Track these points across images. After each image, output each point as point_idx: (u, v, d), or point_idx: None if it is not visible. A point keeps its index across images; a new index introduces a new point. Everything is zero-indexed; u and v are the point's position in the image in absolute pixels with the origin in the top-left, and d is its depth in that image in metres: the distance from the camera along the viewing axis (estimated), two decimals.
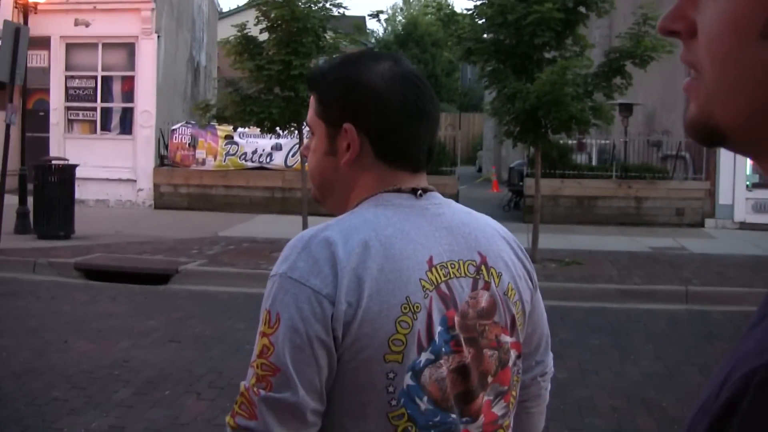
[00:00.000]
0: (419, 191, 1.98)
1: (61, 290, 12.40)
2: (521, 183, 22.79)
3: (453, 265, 1.93)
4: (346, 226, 1.88)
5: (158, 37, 23.43)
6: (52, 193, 16.41)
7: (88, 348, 9.02)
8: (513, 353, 2.03)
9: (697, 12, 0.89)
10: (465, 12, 15.88)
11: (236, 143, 22.95)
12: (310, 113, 2.06)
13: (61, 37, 23.45)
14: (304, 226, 13.75)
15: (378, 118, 1.95)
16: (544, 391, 2.36)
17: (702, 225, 21.04)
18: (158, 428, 6.76)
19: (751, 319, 0.88)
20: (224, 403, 7.22)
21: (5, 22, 16.45)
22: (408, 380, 1.82)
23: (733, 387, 0.74)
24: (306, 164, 2.15)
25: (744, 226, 20.50)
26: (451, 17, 16.06)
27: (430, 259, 1.90)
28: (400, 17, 70.17)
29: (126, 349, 9.03)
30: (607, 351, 9.42)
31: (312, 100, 2.07)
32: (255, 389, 1.77)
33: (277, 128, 15.64)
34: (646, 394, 7.81)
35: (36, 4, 17.99)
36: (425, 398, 1.85)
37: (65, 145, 23.16)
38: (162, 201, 22.86)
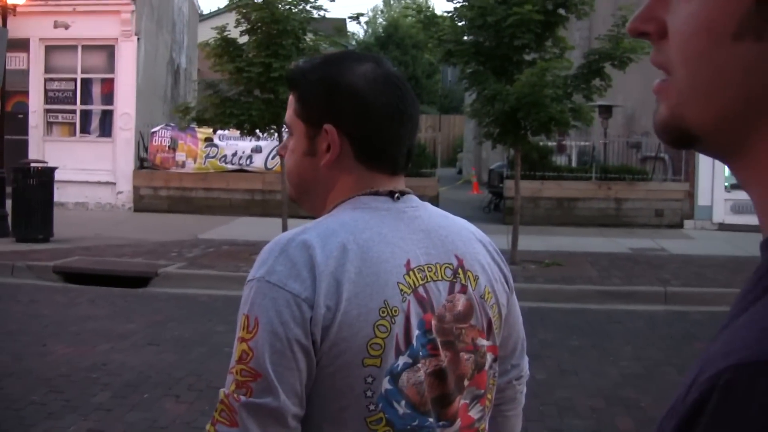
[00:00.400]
0: (397, 194, 1.97)
1: (40, 293, 12.34)
2: (501, 185, 22.82)
3: (430, 269, 1.93)
4: (323, 230, 1.87)
5: (138, 39, 23.33)
6: (31, 195, 16.32)
7: (66, 351, 8.97)
8: (489, 356, 2.03)
9: (667, 13, 0.88)
10: (445, 14, 15.90)
11: (216, 145, 22.90)
12: (289, 112, 2.04)
13: (40, 39, 23.33)
14: (284, 228, 13.74)
15: (359, 121, 1.93)
16: (520, 395, 2.36)
17: (681, 226, 21.13)
18: (137, 431, 6.75)
19: (722, 321, 0.88)
20: (203, 405, 7.21)
21: None
22: (386, 384, 1.82)
23: (700, 389, 0.74)
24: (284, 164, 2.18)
25: (723, 227, 20.59)
26: (431, 19, 16.07)
27: (408, 262, 1.89)
28: (380, 19, 70.23)
29: (105, 352, 8.99)
30: (586, 352, 9.44)
31: (291, 99, 2.04)
32: (235, 395, 1.75)
33: (257, 130, 15.62)
34: (625, 395, 7.83)
35: (15, 5, 17.87)
36: (403, 402, 1.84)
37: (44, 147, 23.04)
38: (142, 203, 22.77)
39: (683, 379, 0.80)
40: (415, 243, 1.93)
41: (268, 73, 14.72)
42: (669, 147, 0.92)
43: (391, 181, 1.99)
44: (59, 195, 18.89)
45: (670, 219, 21.25)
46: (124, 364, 8.50)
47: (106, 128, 23.59)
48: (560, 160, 23.79)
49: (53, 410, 7.12)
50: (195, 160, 23.12)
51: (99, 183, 22.95)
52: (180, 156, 23.22)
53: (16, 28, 19.03)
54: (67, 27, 23.09)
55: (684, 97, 0.88)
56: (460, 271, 1.99)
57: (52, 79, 23.79)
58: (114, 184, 23.03)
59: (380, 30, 63.64)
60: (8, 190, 16.92)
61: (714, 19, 0.83)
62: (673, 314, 11.62)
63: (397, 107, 1.95)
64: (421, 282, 1.89)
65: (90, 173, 22.72)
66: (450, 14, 15.56)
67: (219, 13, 35.57)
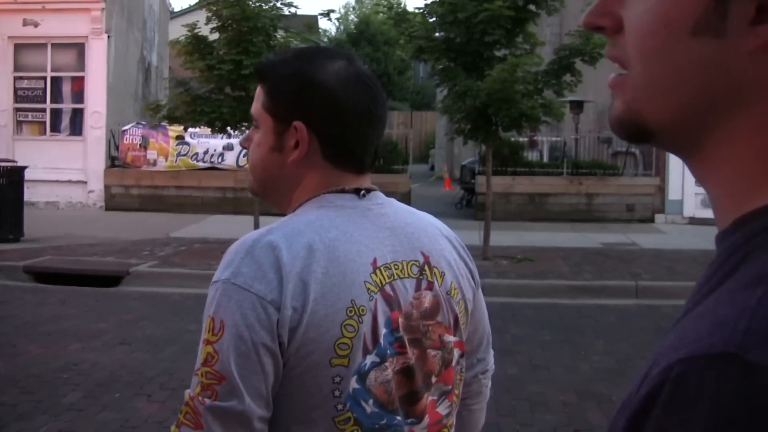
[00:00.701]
0: (362, 191, 1.96)
1: (10, 294, 12.25)
2: (473, 180, 22.85)
3: (397, 266, 1.92)
4: (289, 230, 1.86)
5: (108, 37, 23.19)
6: (0, 195, 16.22)
7: (37, 352, 8.91)
8: (456, 352, 2.04)
9: (623, 8, 0.89)
10: (416, 10, 15.89)
11: (187, 143, 22.83)
12: (257, 105, 2.01)
13: (9, 37, 23.15)
14: (256, 226, 13.70)
15: (330, 119, 1.92)
16: (485, 389, 2.37)
17: (652, 220, 21.24)
18: (109, 431, 6.72)
19: (677, 314, 0.89)
20: (175, 404, 7.17)
21: None
22: (354, 384, 1.81)
23: (652, 382, 0.75)
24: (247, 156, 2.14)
25: (694, 221, 20.72)
26: (402, 16, 16.07)
27: (374, 260, 1.89)
28: (352, 16, 70.14)
29: (76, 352, 8.94)
30: (558, 347, 9.47)
31: (259, 91, 2.02)
32: (200, 398, 1.73)
33: (228, 128, 15.55)
34: (596, 389, 7.86)
35: None
36: (371, 401, 1.84)
37: (14, 146, 22.88)
38: (113, 202, 22.66)
39: (637, 372, 0.81)
40: (381, 241, 1.93)
41: (239, 71, 14.67)
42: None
43: (358, 180, 1.98)
44: (29, 194, 18.78)
45: (641, 213, 21.36)
46: (96, 364, 8.46)
47: (76, 127, 23.44)
48: (532, 155, 23.86)
49: (24, 411, 7.07)
50: (166, 159, 23.04)
51: (70, 182, 22.81)
52: (151, 154, 23.13)
53: None
54: (36, 25, 22.92)
55: (640, 92, 0.88)
56: (426, 268, 1.99)
57: (21, 78, 23.60)
58: (85, 183, 22.90)
59: (352, 27, 63.57)
60: None
61: (672, 16, 0.83)
62: (644, 308, 11.67)
63: (368, 107, 1.94)
64: (387, 280, 1.89)
65: (61, 172, 22.57)
66: (421, 11, 15.55)
67: (190, 10, 35.39)
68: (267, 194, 2.08)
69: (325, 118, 1.92)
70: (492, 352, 2.38)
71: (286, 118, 1.93)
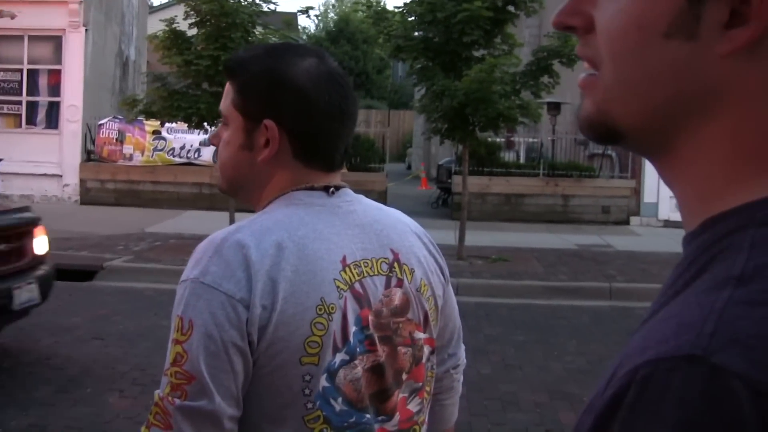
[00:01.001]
0: (332, 189, 1.96)
1: None
2: (450, 180, 22.82)
3: (366, 264, 1.93)
4: (258, 228, 1.85)
5: (86, 30, 23.02)
6: None
7: (10, 345, 8.86)
8: (427, 349, 2.05)
9: (594, 7, 0.89)
10: (395, 9, 15.89)
11: (164, 138, 22.71)
12: (226, 102, 2.00)
13: None
14: (232, 222, 13.66)
15: (301, 118, 1.91)
16: (457, 383, 2.38)
17: (627, 223, 21.29)
18: (80, 426, 6.69)
19: (644, 315, 0.89)
20: (147, 400, 7.12)
21: None
22: (323, 382, 1.82)
23: (618, 384, 0.75)
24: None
25: (668, 224, 20.77)
26: (381, 14, 16.05)
27: (344, 258, 1.89)
28: (331, 14, 70.00)
29: (49, 346, 8.91)
30: (531, 347, 9.50)
31: (228, 88, 2.01)
32: (170, 398, 1.73)
33: (205, 124, 15.50)
34: (568, 389, 7.89)
35: None
36: (340, 399, 1.84)
37: None
38: (89, 196, 22.51)
39: (603, 374, 0.81)
40: (350, 238, 1.93)
41: (217, 66, 14.59)
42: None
43: (327, 177, 1.98)
44: (4, 187, 18.69)
45: (617, 216, 21.42)
46: (68, 359, 8.43)
47: (52, 120, 23.26)
48: (508, 156, 23.86)
49: None
50: (143, 153, 22.91)
51: (45, 175, 22.64)
52: (127, 149, 23.00)
53: None
54: (13, 17, 22.69)
55: (611, 93, 0.88)
56: (396, 265, 1.99)
57: None
58: (60, 176, 22.73)
59: (331, 24, 63.45)
60: None
61: (645, 17, 0.83)
62: (617, 310, 11.71)
63: (338, 105, 1.94)
64: (357, 278, 1.89)
65: (36, 165, 22.38)
66: (400, 10, 15.54)
67: (169, 5, 35.25)
68: (236, 192, 2.08)
69: (295, 116, 1.91)
70: (463, 347, 2.39)
71: (256, 116, 1.93)
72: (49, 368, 8.11)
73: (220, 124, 2.06)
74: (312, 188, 1.94)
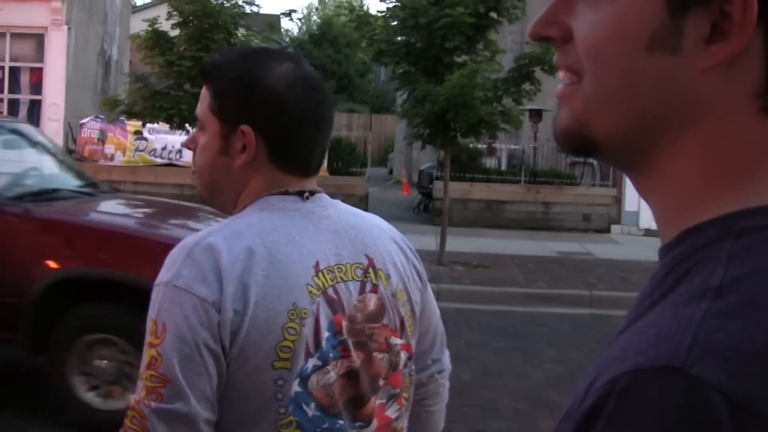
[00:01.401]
0: (306, 194, 1.96)
1: None
2: (431, 186, 22.86)
3: (340, 269, 1.93)
4: (230, 232, 1.86)
5: (69, 28, 23.00)
6: None
7: None
8: (404, 355, 2.04)
9: (572, 17, 0.88)
10: (378, 14, 15.93)
11: (146, 139, 22.69)
12: (202, 107, 2.01)
13: None
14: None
15: (277, 123, 1.92)
16: (443, 389, 2.36)
17: (608, 231, 21.34)
18: None
19: (619, 325, 0.89)
20: None
21: None
22: (296, 387, 1.82)
23: (596, 394, 0.75)
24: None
25: (649, 232, 20.82)
26: (364, 18, 16.11)
27: (317, 263, 1.89)
28: (315, 17, 70.11)
29: None
30: (510, 354, 9.50)
31: (204, 93, 2.01)
32: (145, 401, 1.74)
33: (187, 125, 15.48)
34: (547, 397, 7.89)
35: None
36: (312, 404, 1.85)
37: None
38: None
39: (579, 383, 0.81)
40: (324, 243, 1.93)
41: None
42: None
43: (303, 182, 1.98)
44: None
45: (598, 224, 21.47)
46: None
47: (34, 118, 23.15)
48: (490, 162, 23.93)
49: None
50: (124, 153, 22.89)
51: None
52: (109, 148, 22.97)
53: None
54: None
55: (591, 103, 0.88)
56: (370, 270, 1.99)
57: None
58: None
59: (314, 28, 63.56)
60: None
61: (628, 28, 0.83)
62: (597, 318, 11.73)
63: (314, 110, 1.95)
64: (330, 283, 1.90)
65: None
66: (383, 14, 15.58)
67: (152, 5, 35.27)
68: (213, 197, 2.08)
69: (271, 121, 1.92)
70: (447, 353, 2.38)
71: (232, 121, 1.93)
72: None
73: (195, 129, 2.07)
74: (286, 193, 1.95)
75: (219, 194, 2.04)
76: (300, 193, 1.96)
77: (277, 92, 1.91)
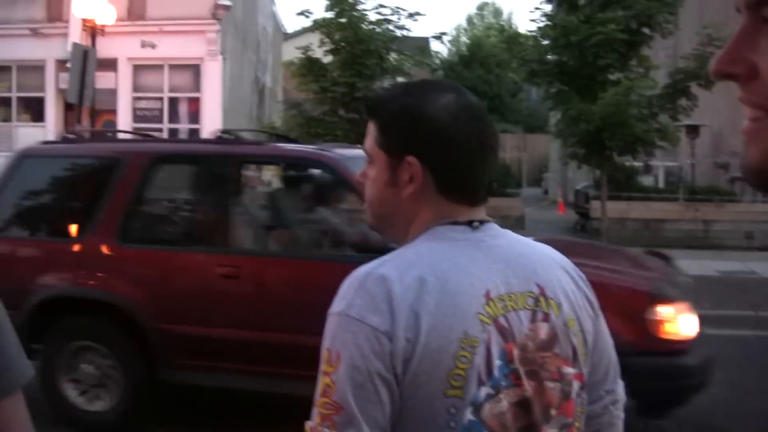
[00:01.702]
0: (475, 223, 1.97)
1: None
2: (587, 205, 22.63)
3: (510, 298, 1.92)
4: (401, 262, 1.88)
5: (223, 58, 23.65)
6: None
7: None
8: (576, 384, 2.01)
9: (757, 54, 0.85)
10: (528, 33, 15.92)
11: None
12: (369, 141, 2.04)
13: (128, 58, 23.88)
14: None
15: (442, 153, 1.94)
16: (618, 420, 2.31)
17: None
18: None
19: None
20: None
21: (74, 44, 16.81)
22: (468, 415, 1.81)
23: None
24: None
25: None
26: (514, 39, 16.13)
27: (487, 292, 1.88)
28: (463, 38, 70.25)
29: None
30: None
31: (371, 127, 2.05)
32: (320, 428, 1.77)
33: None
34: (715, 421, 7.68)
35: (103, 26, 18.24)
36: None
37: None
38: None
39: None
40: (494, 272, 1.92)
41: (353, 93, 14.82)
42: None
43: (471, 211, 1.99)
44: None
45: (761, 241, 20.82)
46: None
47: None
48: (647, 180, 23.55)
49: None
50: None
51: None
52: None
53: (105, 48, 19.32)
54: (153, 46, 23.50)
55: None
56: (541, 299, 1.97)
57: (139, 98, 24.30)
58: None
59: (463, 48, 63.69)
60: None
61: None
62: (764, 339, 11.36)
63: (479, 140, 1.96)
64: (501, 312, 1.88)
65: None
66: (533, 34, 15.56)
67: (303, 32, 35.91)
68: (384, 228, 2.12)
69: (437, 152, 1.94)
70: (621, 383, 2.32)
71: (398, 152, 1.96)
72: None
73: (366, 163, 2.10)
74: (455, 223, 1.96)
75: (389, 225, 2.07)
76: (469, 223, 1.96)
77: (441, 123, 1.93)
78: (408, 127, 1.96)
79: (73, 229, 7.65)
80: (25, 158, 8.06)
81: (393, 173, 1.98)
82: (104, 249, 7.28)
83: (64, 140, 8.98)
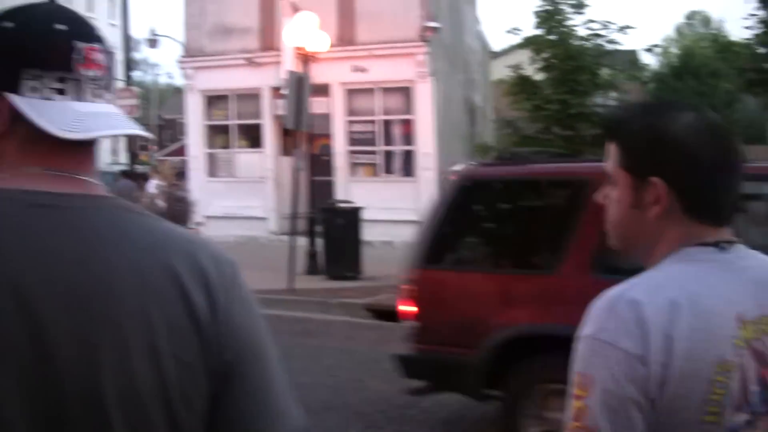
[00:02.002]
0: (723, 244, 1.91)
1: (354, 330, 12.90)
2: None
3: (763, 321, 1.86)
4: (651, 285, 1.85)
5: (434, 79, 23.72)
6: (339, 234, 17.10)
7: (382, 388, 9.13)
8: None
9: None
10: (743, 41, 15.44)
11: None
12: (610, 162, 2.01)
13: (340, 83, 24.21)
14: None
15: (687, 173, 1.90)
16: None
17: None
18: None
19: None
20: None
21: (290, 72, 17.32)
22: None
23: None
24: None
25: None
26: (728, 48, 15.71)
27: (740, 315, 1.83)
28: (673, 48, 68.21)
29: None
30: None
31: (612, 148, 2.01)
32: None
33: None
34: None
35: (316, 53, 18.67)
36: None
37: (350, 187, 23.76)
38: None
39: None
40: (746, 295, 1.86)
41: (567, 110, 14.73)
42: None
43: (717, 232, 1.93)
44: (366, 233, 19.31)
45: None
46: (440, 402, 8.45)
47: (408, 168, 24.22)
48: None
49: None
50: None
51: (404, 222, 23.27)
52: None
53: (318, 74, 19.61)
54: (364, 71, 23.79)
55: None
56: None
57: (353, 122, 24.68)
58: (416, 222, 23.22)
59: (674, 60, 61.75)
60: (318, 229, 17.77)
61: None
62: None
63: (724, 159, 1.92)
64: (755, 335, 1.84)
65: (394, 212, 22.75)
66: (749, 41, 15.10)
67: (510, 50, 35.76)
68: (628, 249, 2.05)
69: (681, 172, 1.90)
70: None
71: (641, 173, 1.93)
72: (422, 411, 8.42)
73: (606, 184, 2.07)
74: (703, 244, 1.91)
75: (633, 246, 2.03)
76: (716, 244, 1.91)
77: (683, 141, 1.90)
78: (651, 147, 1.92)
79: (538, 259, 7.28)
80: (467, 182, 7.81)
81: (637, 194, 1.94)
82: (578, 281, 6.38)
83: (502, 161, 8.65)
